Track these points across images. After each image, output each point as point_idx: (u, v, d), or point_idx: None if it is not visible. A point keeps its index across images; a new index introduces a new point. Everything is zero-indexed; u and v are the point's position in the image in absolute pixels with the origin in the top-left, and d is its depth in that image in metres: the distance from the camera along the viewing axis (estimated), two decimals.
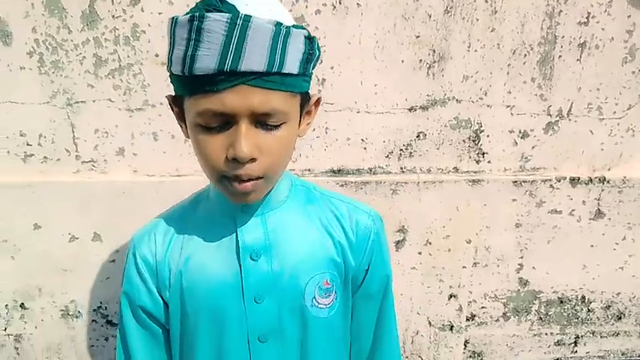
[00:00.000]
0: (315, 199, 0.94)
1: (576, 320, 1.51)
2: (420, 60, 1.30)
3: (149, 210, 1.31)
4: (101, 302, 1.39)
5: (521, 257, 1.44)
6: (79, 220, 1.32)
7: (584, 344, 1.54)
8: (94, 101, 1.26)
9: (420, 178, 1.36)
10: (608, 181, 1.40)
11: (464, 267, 1.43)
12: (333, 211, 0.93)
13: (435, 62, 1.30)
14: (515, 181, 1.38)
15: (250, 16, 0.67)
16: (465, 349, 1.50)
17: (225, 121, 0.73)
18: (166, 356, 0.95)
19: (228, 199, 0.82)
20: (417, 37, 1.28)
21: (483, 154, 1.38)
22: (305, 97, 0.81)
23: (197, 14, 0.68)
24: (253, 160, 0.74)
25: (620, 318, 1.52)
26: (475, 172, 1.39)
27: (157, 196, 1.32)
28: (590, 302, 1.50)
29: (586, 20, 1.30)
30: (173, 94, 0.81)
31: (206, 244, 0.88)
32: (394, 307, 1.01)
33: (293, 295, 0.88)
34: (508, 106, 1.35)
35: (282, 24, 0.70)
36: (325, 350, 0.93)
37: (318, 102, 0.86)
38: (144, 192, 1.32)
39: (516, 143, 1.38)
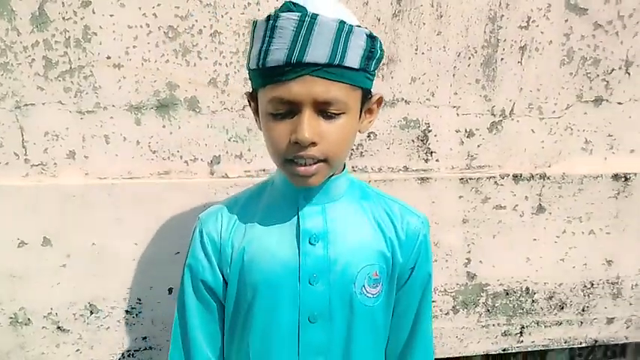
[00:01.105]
0: (369, 196, 1.09)
1: (521, 311, 1.70)
2: None
3: (100, 214, 1.42)
4: (52, 308, 1.47)
5: (469, 252, 1.61)
6: (29, 225, 1.40)
7: (530, 334, 1.73)
8: (43, 104, 1.34)
9: (371, 177, 1.51)
10: (548, 178, 1.59)
11: None
12: (386, 209, 1.08)
13: (384, 65, 1.44)
14: (462, 179, 1.55)
15: (317, 15, 0.83)
16: None
17: (291, 109, 0.88)
18: (220, 331, 1.10)
19: (292, 188, 0.99)
20: None
21: (431, 152, 1.53)
22: (366, 94, 0.95)
23: (272, 14, 0.86)
24: (314, 144, 0.88)
25: (562, 308, 1.71)
26: (424, 171, 1.54)
27: (109, 200, 1.41)
28: (534, 293, 1.68)
29: (526, 24, 1.48)
30: (250, 91, 0.98)
31: (269, 227, 1.03)
32: (431, 304, 1.17)
33: (344, 282, 1.01)
34: (454, 107, 1.51)
35: (345, 22, 0.85)
36: (367, 337, 1.06)
37: (380, 101, 1.01)
38: (95, 195, 1.40)
39: (462, 142, 1.54)
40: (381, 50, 0.92)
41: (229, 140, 1.44)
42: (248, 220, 1.05)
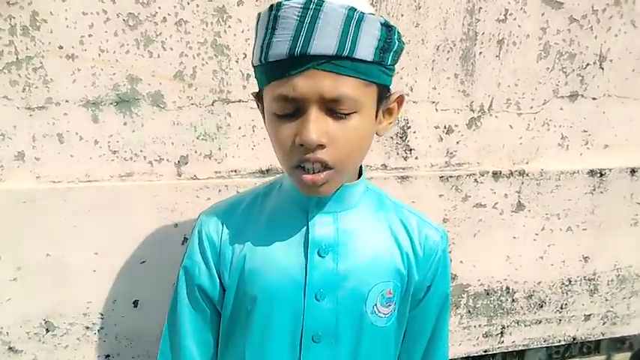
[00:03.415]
0: (386, 206, 0.94)
1: (502, 311, 1.56)
2: None
3: (55, 221, 1.20)
4: (2, 327, 1.24)
5: (450, 252, 1.45)
6: None
7: (510, 334, 1.60)
8: None
9: None
10: (527, 174, 1.46)
11: None
12: (403, 221, 0.93)
13: None
14: (442, 177, 1.40)
15: (323, 1, 0.69)
16: None
17: (297, 108, 0.74)
18: (213, 340, 0.96)
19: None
20: None
21: (411, 150, 1.39)
22: (383, 91, 0.80)
23: (275, 4, 0.71)
24: (322, 146, 0.74)
25: (541, 306, 1.59)
26: (403, 169, 1.39)
27: (65, 205, 1.20)
28: (514, 292, 1.55)
29: (504, 17, 1.35)
30: (257, 91, 0.84)
31: (274, 233, 0.89)
32: (448, 326, 1.02)
33: (355, 299, 0.87)
34: (433, 102, 1.37)
35: (355, 9, 0.70)
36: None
37: (401, 100, 0.85)
38: (48, 200, 1.19)
39: (442, 139, 1.40)
40: (400, 41, 0.77)
41: (197, 138, 1.25)
42: (252, 224, 0.91)
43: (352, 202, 0.89)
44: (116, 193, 1.23)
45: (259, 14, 0.75)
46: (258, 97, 0.83)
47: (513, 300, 1.56)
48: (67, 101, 1.16)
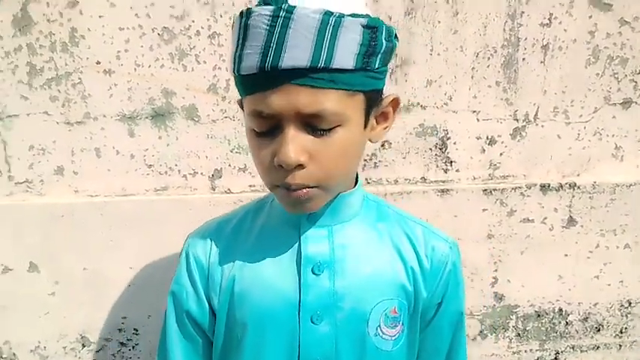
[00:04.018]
0: (387, 217, 0.87)
1: (555, 334, 1.45)
2: None
3: (92, 234, 1.21)
4: (39, 342, 1.26)
5: (496, 270, 1.38)
6: (13, 249, 1.20)
7: None
8: (28, 115, 1.16)
9: (387, 189, 1.29)
10: (578, 187, 1.37)
11: None
12: (407, 232, 0.85)
13: (397, 66, 1.25)
14: (485, 190, 1.33)
15: (294, 7, 0.62)
16: None
17: (275, 125, 0.68)
18: None
19: None
20: None
21: (451, 162, 1.33)
22: (372, 97, 0.72)
23: (245, 10, 0.66)
24: (301, 166, 0.68)
25: (598, 330, 1.47)
26: (444, 182, 1.33)
27: (102, 219, 1.21)
28: (568, 315, 1.44)
29: (548, 21, 1.29)
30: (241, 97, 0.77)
31: (265, 252, 0.82)
32: (466, 349, 0.92)
33: (355, 321, 0.79)
34: (474, 112, 1.31)
35: (331, 13, 0.63)
36: None
37: (395, 103, 0.78)
38: (86, 214, 1.21)
39: (484, 150, 1.33)
40: (388, 41, 0.69)
41: (232, 152, 1.24)
42: (241, 243, 0.84)
43: (349, 214, 0.82)
44: (151, 207, 1.23)
45: (233, 18, 0.70)
46: (242, 105, 0.77)
47: (567, 323, 1.45)
48: (104, 116, 1.18)
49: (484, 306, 1.40)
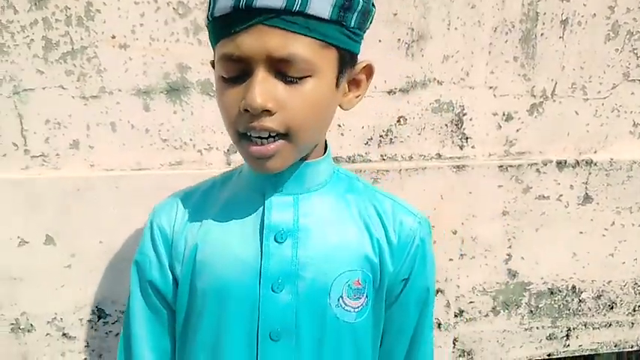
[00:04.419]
0: (357, 189, 0.86)
1: (567, 312, 1.46)
2: (399, 39, 1.23)
3: (108, 208, 1.22)
4: (56, 314, 1.27)
5: (510, 247, 1.38)
6: (29, 222, 1.21)
7: (577, 337, 1.49)
8: (43, 89, 1.16)
9: (402, 165, 1.29)
10: (595, 164, 1.36)
11: (450, 259, 1.36)
12: (375, 205, 0.84)
13: (413, 41, 1.24)
14: (501, 166, 1.33)
15: None
16: (454, 347, 1.43)
17: (244, 71, 0.67)
18: (170, 347, 0.88)
19: (259, 174, 0.78)
20: (395, 14, 1.22)
21: (467, 138, 1.32)
22: (347, 57, 0.72)
23: None
24: (269, 112, 0.67)
25: (611, 308, 1.48)
26: (459, 158, 1.33)
27: (117, 192, 1.22)
28: (581, 292, 1.45)
29: None
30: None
31: (229, 219, 0.81)
32: (432, 326, 0.93)
33: (317, 290, 0.79)
34: (491, 87, 1.30)
35: None
36: None
37: (369, 70, 0.78)
38: (102, 188, 1.21)
39: (500, 126, 1.33)
40: (366, 2, 0.69)
41: None
42: (206, 212, 0.83)
43: (315, 183, 0.81)
44: (166, 181, 1.23)
45: None
46: (214, 64, 0.76)
47: (580, 300, 1.46)
48: (119, 90, 1.18)
49: (497, 282, 1.40)
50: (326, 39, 0.67)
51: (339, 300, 0.79)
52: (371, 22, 0.75)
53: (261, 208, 0.80)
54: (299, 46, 0.65)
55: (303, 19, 0.64)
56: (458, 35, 1.25)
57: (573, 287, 1.44)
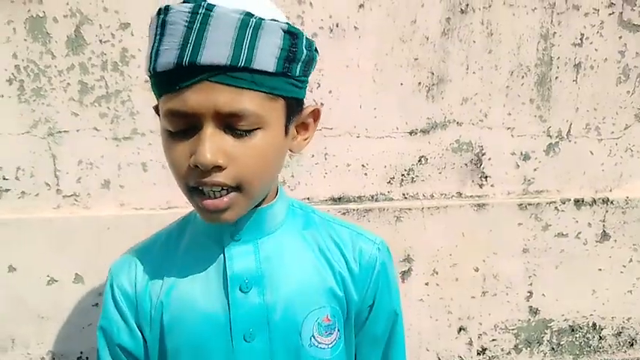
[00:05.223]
0: (313, 224, 0.85)
1: (588, 349, 1.47)
2: (419, 83, 1.29)
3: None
4: (82, 352, 1.28)
5: (530, 284, 1.40)
6: (59, 261, 1.23)
7: None
8: (77, 131, 1.20)
9: (424, 204, 1.33)
10: (611, 202, 1.40)
11: (472, 297, 1.38)
12: (333, 237, 0.84)
13: (434, 85, 1.29)
14: (520, 204, 1.36)
15: (213, 5, 0.63)
16: None
17: (192, 125, 0.66)
18: None
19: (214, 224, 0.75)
20: (416, 59, 1.28)
21: (486, 177, 1.36)
22: (293, 104, 0.73)
23: (163, 7, 0.65)
24: (219, 168, 0.66)
25: (632, 344, 1.49)
26: (479, 197, 1.37)
27: (147, 231, 1.21)
28: (602, 329, 1.46)
29: (580, 42, 1.33)
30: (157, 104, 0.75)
31: (191, 273, 0.79)
32: (404, 350, 0.92)
33: (288, 333, 0.78)
34: (508, 128, 1.35)
35: (251, 14, 0.64)
36: None
37: (316, 114, 0.78)
38: (132, 227, 1.24)
39: (518, 166, 1.37)
40: (309, 50, 0.71)
41: None
42: (166, 267, 0.81)
43: (273, 225, 0.80)
44: None
45: (151, 18, 0.68)
46: (158, 110, 0.73)
47: (601, 337, 1.47)
48: (151, 132, 1.22)
49: (519, 320, 1.42)
50: (273, 91, 0.67)
51: (311, 339, 0.79)
52: (314, 67, 0.76)
53: (220, 258, 0.78)
54: (247, 101, 0.65)
55: (249, 74, 0.64)
56: (476, 78, 1.31)
57: (594, 324, 1.46)
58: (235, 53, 0.63)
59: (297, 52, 0.68)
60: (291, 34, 0.67)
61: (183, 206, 1.26)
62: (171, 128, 0.68)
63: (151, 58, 0.66)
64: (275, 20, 0.66)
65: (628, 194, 1.41)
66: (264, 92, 0.66)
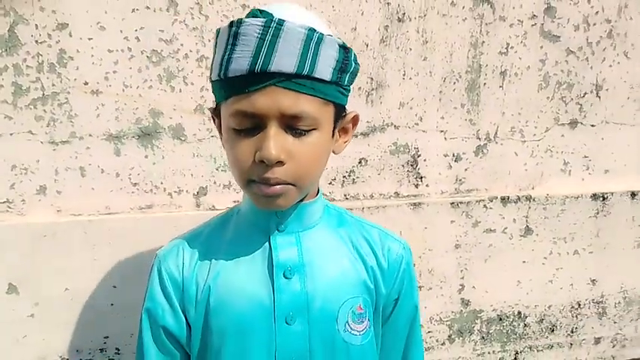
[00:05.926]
0: (346, 222, 0.95)
1: (515, 336, 1.60)
2: (360, 87, 1.34)
3: (75, 254, 1.22)
4: None
5: (462, 277, 1.50)
6: None
7: (523, 359, 1.62)
8: (11, 134, 1.16)
9: (364, 204, 1.39)
10: (533, 199, 1.52)
11: None
12: (364, 235, 0.94)
13: (373, 90, 1.35)
14: (453, 203, 1.46)
15: (284, 20, 0.72)
16: None
17: (256, 124, 0.75)
18: None
19: (262, 215, 0.86)
20: None
21: (421, 177, 1.44)
22: (340, 110, 0.82)
23: (236, 20, 0.73)
24: (281, 163, 0.75)
25: (552, 330, 1.63)
26: (415, 196, 1.44)
27: (85, 238, 1.22)
28: (526, 317, 1.59)
29: (506, 50, 1.44)
30: (214, 107, 0.85)
31: (237, 261, 0.87)
32: (422, 338, 1.02)
33: (325, 319, 0.87)
34: (442, 131, 1.43)
35: (315, 30, 0.73)
36: None
37: (356, 120, 0.88)
38: (69, 233, 1.21)
39: (450, 166, 1.46)
40: (356, 63, 0.81)
41: (217, 170, 1.29)
42: (213, 254, 0.89)
43: (313, 221, 0.89)
44: (135, 225, 1.25)
45: (218, 30, 0.77)
46: (216, 112, 0.84)
47: (525, 325, 1.60)
48: (90, 135, 1.20)
49: (452, 311, 1.52)
50: (327, 97, 0.76)
51: (345, 325, 0.87)
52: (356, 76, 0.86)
53: (266, 247, 0.87)
54: (307, 105, 0.74)
55: (310, 81, 0.74)
56: (412, 84, 1.39)
57: (519, 313, 1.58)
58: (301, 63, 0.72)
59: (348, 64, 0.78)
60: (345, 49, 0.77)
61: (125, 211, 1.25)
62: (237, 126, 0.76)
63: (221, 65, 0.74)
64: (331, 36, 0.76)
65: (548, 192, 1.54)
66: (320, 97, 0.76)
